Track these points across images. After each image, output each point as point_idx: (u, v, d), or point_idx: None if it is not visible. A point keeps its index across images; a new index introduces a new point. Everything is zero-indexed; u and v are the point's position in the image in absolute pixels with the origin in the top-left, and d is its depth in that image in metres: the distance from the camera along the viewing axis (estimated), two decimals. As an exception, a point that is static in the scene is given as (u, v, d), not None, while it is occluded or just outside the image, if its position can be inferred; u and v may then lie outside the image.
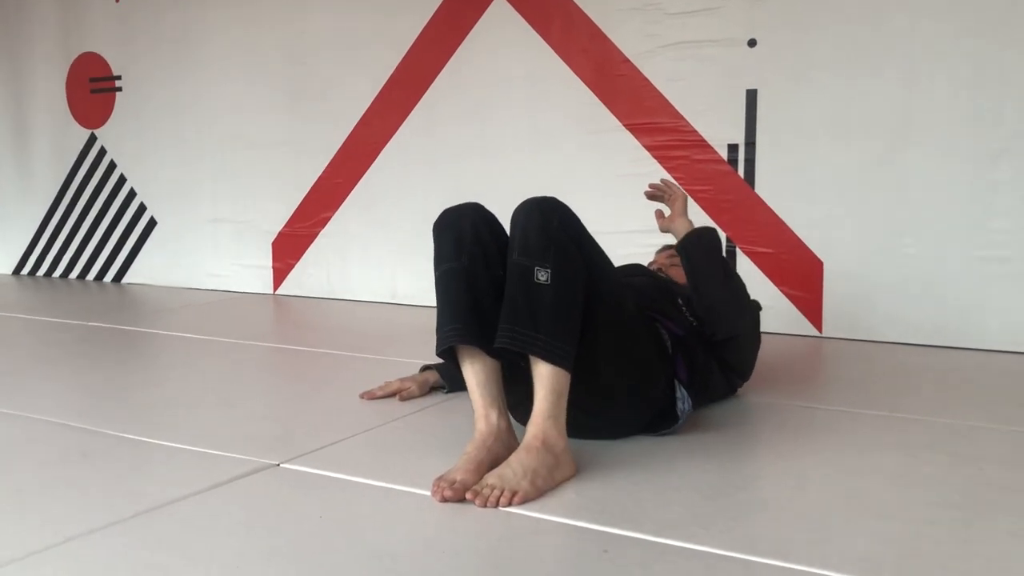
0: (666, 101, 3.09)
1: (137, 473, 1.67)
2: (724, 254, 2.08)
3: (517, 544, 1.32)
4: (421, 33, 3.55)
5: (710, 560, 1.25)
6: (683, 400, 1.77)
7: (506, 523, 1.39)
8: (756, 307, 2.09)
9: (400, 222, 3.66)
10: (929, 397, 2.15)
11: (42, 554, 1.29)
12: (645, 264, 2.33)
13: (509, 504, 1.43)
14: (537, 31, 3.31)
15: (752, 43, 2.93)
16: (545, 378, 1.55)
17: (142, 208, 4.46)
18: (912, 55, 2.72)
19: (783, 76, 2.90)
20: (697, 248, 1.99)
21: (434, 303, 1.69)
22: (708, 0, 2.98)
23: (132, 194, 4.48)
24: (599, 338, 1.65)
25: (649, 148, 3.13)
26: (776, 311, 2.95)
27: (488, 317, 1.60)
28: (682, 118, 3.07)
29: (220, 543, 1.33)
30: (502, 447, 1.57)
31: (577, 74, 3.24)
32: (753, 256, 3.00)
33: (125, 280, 4.58)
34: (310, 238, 3.93)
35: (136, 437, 1.86)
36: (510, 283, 1.59)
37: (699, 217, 2.98)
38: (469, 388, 1.64)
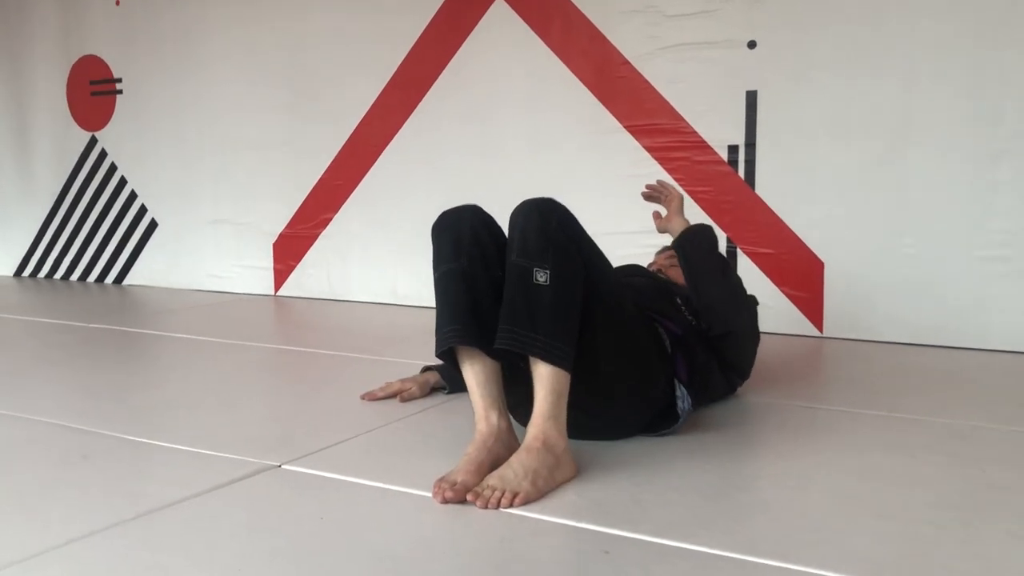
0: (666, 102, 3.09)
1: (138, 474, 1.67)
2: (720, 250, 2.09)
3: (518, 545, 1.32)
4: (422, 35, 3.55)
5: (711, 561, 1.25)
6: (683, 399, 1.77)
7: (507, 524, 1.39)
8: (753, 302, 2.10)
9: (401, 223, 3.67)
10: (929, 397, 2.15)
11: (43, 556, 1.29)
12: (644, 265, 2.34)
13: (510, 505, 1.43)
14: (537, 33, 3.31)
15: (752, 44, 2.94)
16: (545, 378, 1.55)
17: (143, 210, 4.47)
18: (912, 55, 2.72)
19: (783, 77, 2.90)
20: (693, 245, 2.02)
21: (434, 304, 1.69)
22: (708, 2, 2.98)
23: (133, 196, 4.49)
24: (599, 338, 1.65)
25: (649, 149, 3.14)
26: (777, 311, 2.95)
27: (487, 318, 1.60)
28: (682, 119, 3.07)
29: (221, 544, 1.33)
30: (503, 448, 1.58)
31: (577, 76, 3.25)
32: (754, 257, 3.01)
33: (126, 282, 4.58)
34: (311, 239, 3.93)
35: (137, 438, 1.86)
36: (509, 284, 1.60)
37: (699, 218, 2.99)
38: (469, 389, 1.64)
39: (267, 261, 4.07)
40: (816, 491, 1.52)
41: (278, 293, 4.07)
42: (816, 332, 2.94)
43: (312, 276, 3.96)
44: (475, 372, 1.63)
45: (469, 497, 1.45)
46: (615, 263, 1.86)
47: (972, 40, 2.64)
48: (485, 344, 1.60)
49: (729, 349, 1.98)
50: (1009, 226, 2.65)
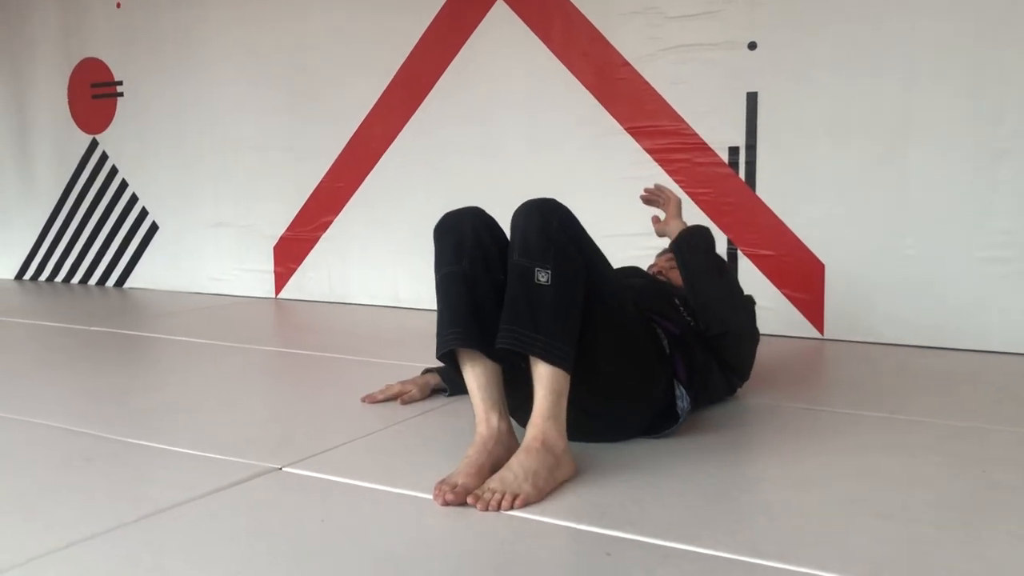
0: (667, 104, 3.09)
1: (139, 477, 1.67)
2: (716, 251, 2.10)
3: (519, 547, 1.32)
4: (422, 36, 3.56)
5: (712, 562, 1.25)
6: (682, 399, 1.77)
7: (508, 526, 1.39)
8: (750, 302, 2.10)
9: (401, 225, 3.67)
10: (930, 398, 2.15)
11: (45, 559, 1.29)
12: (645, 267, 2.34)
13: (511, 507, 1.43)
14: (537, 34, 3.32)
15: (752, 46, 2.94)
16: (545, 378, 1.55)
17: (144, 213, 4.47)
18: (912, 56, 2.72)
19: (783, 78, 2.91)
20: (690, 245, 2.03)
21: (435, 306, 1.69)
22: (708, 3, 2.98)
23: (134, 199, 4.49)
24: (599, 338, 1.65)
25: (650, 151, 3.14)
26: (777, 313, 2.95)
27: (488, 321, 1.60)
28: (683, 121, 3.07)
29: (222, 547, 1.33)
30: (503, 450, 1.58)
31: (578, 77, 3.25)
32: (754, 258, 3.00)
33: (127, 285, 4.58)
34: (312, 242, 3.94)
35: (138, 441, 1.86)
36: (510, 284, 1.60)
37: (700, 220, 2.99)
38: (470, 391, 1.64)
39: (268, 264, 4.08)
40: (817, 492, 1.52)
41: (279, 296, 4.07)
42: (817, 334, 2.94)
43: (313, 279, 3.96)
44: (476, 374, 1.63)
45: (469, 500, 1.45)
46: (615, 265, 1.86)
47: (972, 40, 2.64)
48: (486, 346, 1.60)
49: (727, 349, 1.98)
50: (1010, 226, 2.65)
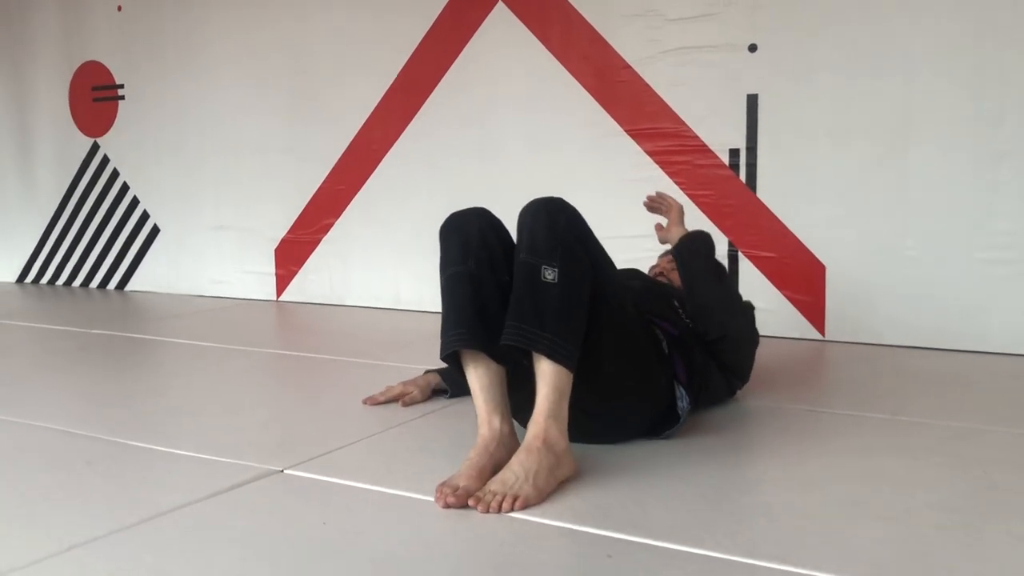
0: (667, 106, 3.10)
1: (141, 480, 1.67)
2: (716, 257, 2.11)
3: (521, 549, 1.32)
4: (423, 39, 3.56)
5: (714, 564, 1.25)
6: (682, 399, 1.78)
7: (509, 528, 1.39)
8: (749, 307, 2.10)
9: (403, 227, 3.67)
10: (932, 400, 2.15)
11: (46, 562, 1.29)
12: (647, 267, 2.35)
13: (511, 509, 1.43)
14: (538, 37, 3.32)
15: (753, 48, 2.94)
16: (548, 376, 1.55)
17: (145, 216, 4.48)
18: (912, 57, 2.72)
19: (784, 80, 2.91)
20: (690, 251, 2.04)
21: (437, 308, 1.69)
22: (709, 6, 2.98)
23: (135, 202, 4.50)
24: (602, 338, 1.65)
25: (651, 153, 3.14)
26: (778, 315, 2.95)
27: (493, 322, 1.60)
28: (683, 123, 3.07)
29: (224, 550, 1.33)
30: (505, 452, 1.57)
31: (578, 80, 3.25)
32: (755, 260, 3.00)
33: (128, 288, 4.59)
34: (313, 244, 3.94)
35: (140, 444, 1.86)
36: (517, 282, 1.60)
37: (701, 222, 2.99)
38: (473, 393, 1.64)
39: (269, 266, 4.08)
40: (818, 494, 1.52)
41: (280, 298, 4.07)
42: (818, 335, 2.94)
43: (314, 281, 3.96)
44: (479, 376, 1.63)
45: (471, 502, 1.45)
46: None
47: (972, 41, 2.64)
48: (490, 348, 1.60)
49: (726, 353, 1.98)
50: (1011, 228, 2.65)
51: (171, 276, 4.41)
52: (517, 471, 1.48)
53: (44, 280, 4.91)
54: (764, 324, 2.84)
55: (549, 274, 1.57)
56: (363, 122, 3.73)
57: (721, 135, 3.01)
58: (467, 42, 3.47)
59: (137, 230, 4.51)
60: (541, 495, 1.48)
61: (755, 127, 2.96)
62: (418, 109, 3.60)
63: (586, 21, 3.21)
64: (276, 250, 4.05)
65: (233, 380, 2.53)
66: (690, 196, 3.06)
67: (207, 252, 4.27)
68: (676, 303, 1.99)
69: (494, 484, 1.47)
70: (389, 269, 3.74)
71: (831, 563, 1.24)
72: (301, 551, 1.32)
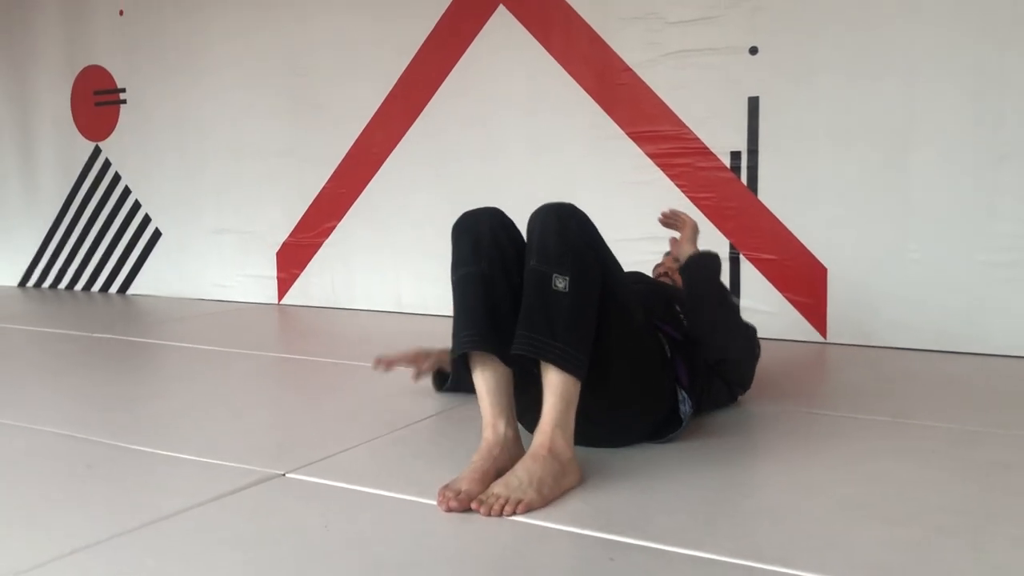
0: (668, 109, 3.10)
1: (142, 484, 1.67)
2: (722, 279, 2.07)
3: (523, 553, 1.32)
4: (424, 42, 3.56)
5: (716, 567, 1.25)
6: (684, 402, 1.77)
7: (512, 532, 1.39)
8: (751, 331, 2.06)
9: (404, 230, 3.67)
10: (934, 403, 2.14)
11: (48, 566, 1.29)
12: (653, 266, 2.35)
13: (514, 513, 1.43)
14: (539, 40, 3.32)
15: (753, 51, 2.94)
16: (557, 386, 1.55)
17: (147, 219, 4.48)
18: (913, 60, 2.72)
19: (785, 83, 2.91)
20: (695, 272, 2.01)
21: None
22: (709, 8, 2.99)
23: (137, 205, 4.50)
24: (610, 345, 1.64)
25: (652, 156, 3.14)
26: (780, 317, 2.95)
27: (505, 323, 1.60)
28: (684, 126, 3.08)
29: (226, 553, 1.33)
30: (508, 457, 1.57)
31: (579, 82, 3.25)
32: (757, 263, 3.00)
33: (130, 291, 4.59)
34: (314, 248, 3.94)
35: (141, 448, 1.86)
36: (527, 290, 1.59)
37: (702, 224, 2.98)
38: (479, 395, 1.64)
39: (271, 270, 4.08)
40: (821, 497, 1.52)
41: (282, 302, 4.07)
42: (820, 338, 2.94)
43: (316, 284, 3.96)
44: (486, 379, 1.63)
45: (473, 505, 1.45)
46: (619, 270, 1.86)
47: (973, 43, 2.64)
48: (501, 350, 1.60)
49: (727, 373, 1.99)
50: (1013, 230, 2.65)
51: (173, 280, 4.41)
52: (522, 476, 1.48)
53: (46, 284, 4.91)
54: (766, 327, 2.84)
55: (560, 283, 1.56)
56: (364, 125, 3.73)
57: (722, 137, 3.01)
58: (468, 45, 3.47)
59: (139, 234, 4.51)
60: (545, 501, 1.47)
61: (756, 129, 2.96)
62: (419, 112, 3.60)
63: (587, 24, 3.22)
64: (278, 253, 4.05)
65: (235, 384, 2.53)
66: (691, 199, 3.06)
67: (209, 256, 4.27)
68: (678, 307, 1.98)
69: (497, 487, 1.47)
70: (390, 272, 3.74)
71: (833, 566, 1.24)
72: (303, 555, 1.31)
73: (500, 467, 1.54)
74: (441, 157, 3.57)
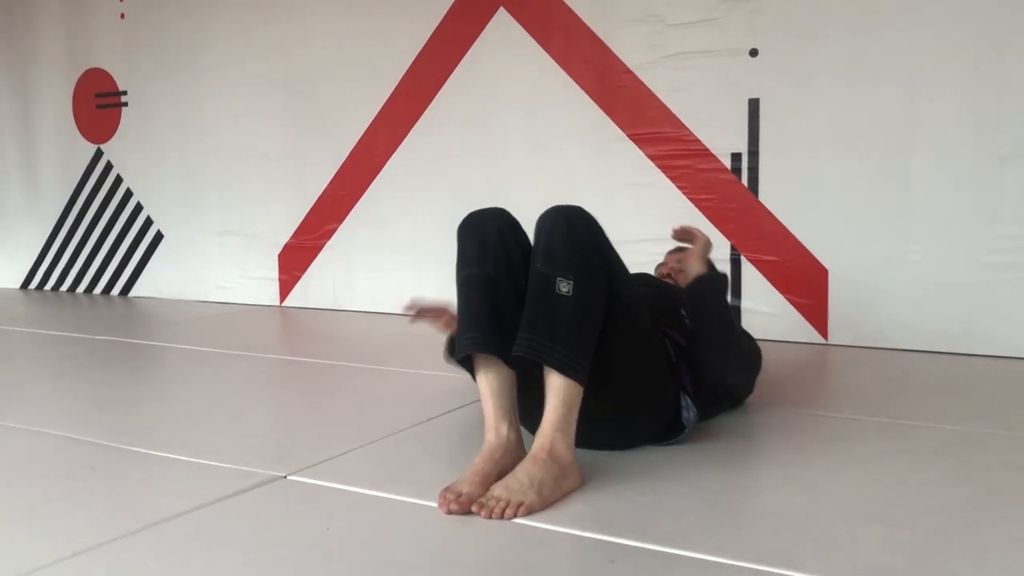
0: (668, 111, 3.10)
1: (145, 486, 1.67)
2: (727, 303, 2.00)
3: (524, 555, 1.32)
4: (425, 45, 3.57)
5: (717, 570, 1.25)
6: (687, 409, 1.77)
7: (513, 534, 1.39)
8: (754, 356, 2.02)
9: (405, 233, 3.67)
10: (936, 404, 2.14)
11: (50, 568, 1.29)
12: (655, 266, 2.32)
13: (515, 515, 1.43)
14: (539, 42, 3.32)
15: (754, 52, 2.94)
16: (558, 389, 1.55)
17: (148, 222, 4.48)
18: (914, 61, 2.72)
19: (785, 85, 2.91)
20: (700, 298, 1.93)
21: (456, 307, 1.69)
22: (709, 11, 2.99)
23: (139, 208, 4.51)
24: (615, 350, 1.64)
25: (652, 158, 3.14)
26: (781, 318, 2.95)
27: (508, 325, 1.60)
28: (685, 128, 3.08)
29: (227, 555, 1.33)
30: (510, 459, 1.57)
31: (580, 85, 3.25)
32: (758, 264, 3.00)
33: (132, 293, 4.59)
34: (316, 250, 3.94)
35: (143, 450, 1.87)
36: (531, 292, 1.59)
37: (703, 226, 2.98)
38: (482, 397, 1.64)
39: (272, 272, 4.08)
40: (823, 498, 1.52)
41: (283, 304, 4.07)
42: (821, 339, 2.94)
43: (317, 286, 3.96)
44: (489, 381, 1.63)
45: (474, 508, 1.45)
46: (622, 271, 1.85)
47: (974, 45, 2.64)
48: (503, 352, 1.60)
49: (730, 392, 1.99)
50: (1014, 231, 2.65)
51: (174, 282, 4.41)
52: (522, 479, 1.48)
53: (48, 286, 4.92)
54: (767, 328, 2.85)
55: (564, 287, 1.56)
56: (366, 127, 3.74)
57: (722, 139, 3.01)
58: (469, 47, 3.48)
59: (140, 236, 4.52)
60: (545, 504, 1.47)
61: (756, 131, 2.96)
62: (420, 114, 3.61)
63: (587, 26, 3.22)
64: (279, 255, 4.06)
65: (236, 386, 2.53)
66: (692, 200, 3.06)
67: (210, 258, 4.28)
68: (683, 312, 1.94)
69: (498, 490, 1.47)
70: (392, 274, 3.74)
71: (836, 568, 1.24)
72: (304, 557, 1.32)
73: (502, 469, 1.54)
74: (442, 159, 3.57)
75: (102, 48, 4.49)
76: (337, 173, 3.84)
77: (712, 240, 2.13)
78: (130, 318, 3.96)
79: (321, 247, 3.92)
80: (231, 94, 4.09)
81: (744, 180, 3.00)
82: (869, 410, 2.08)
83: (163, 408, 2.26)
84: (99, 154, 4.59)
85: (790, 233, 2.95)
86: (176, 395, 2.43)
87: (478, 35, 3.45)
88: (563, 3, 3.26)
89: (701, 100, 3.04)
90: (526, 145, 3.39)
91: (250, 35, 4.00)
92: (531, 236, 1.70)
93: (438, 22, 3.53)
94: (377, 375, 2.57)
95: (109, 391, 2.50)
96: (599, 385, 1.61)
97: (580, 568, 1.29)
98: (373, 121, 3.72)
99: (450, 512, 1.45)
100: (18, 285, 5.03)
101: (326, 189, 3.87)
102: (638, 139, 3.16)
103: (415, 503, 1.52)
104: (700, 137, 3.05)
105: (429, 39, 3.55)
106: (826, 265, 2.91)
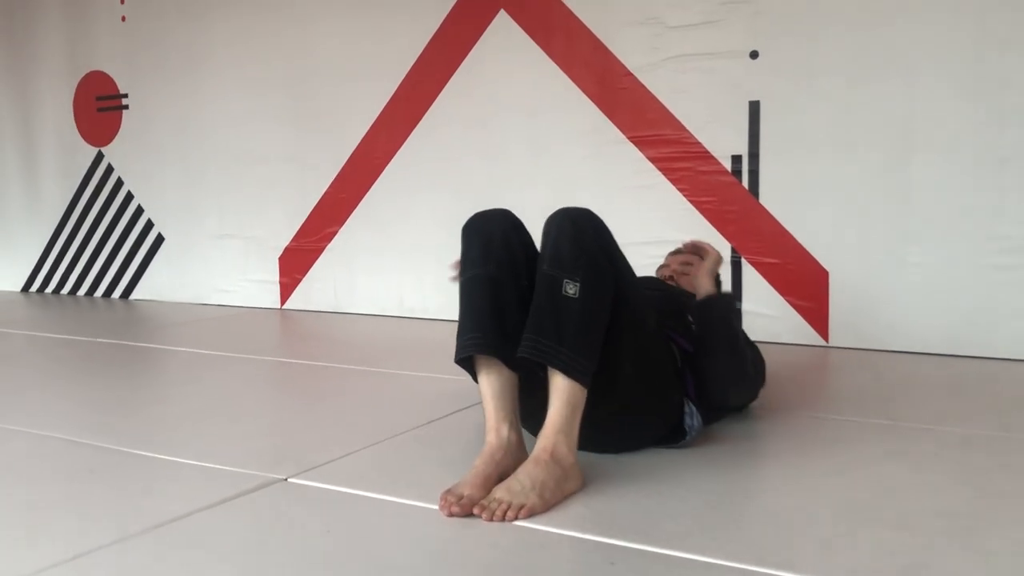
0: (669, 113, 3.10)
1: (145, 489, 1.67)
2: (735, 323, 1.98)
3: (525, 557, 1.32)
4: (425, 48, 3.57)
5: (718, 571, 1.25)
6: (691, 415, 1.76)
7: (514, 536, 1.39)
8: (758, 377, 2.00)
9: (406, 235, 3.68)
10: (937, 406, 2.14)
11: (50, 571, 1.29)
12: (657, 268, 2.30)
13: (516, 518, 1.43)
14: (540, 45, 3.33)
15: (754, 55, 2.94)
16: (562, 391, 1.55)
17: (149, 224, 4.49)
18: (915, 62, 2.73)
19: (785, 87, 2.91)
20: (707, 322, 1.90)
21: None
22: (710, 13, 2.99)
23: (139, 211, 4.51)
24: (622, 351, 1.64)
25: (653, 160, 3.14)
26: (782, 321, 2.95)
27: (511, 327, 1.59)
28: (685, 130, 3.08)
29: (228, 558, 1.33)
30: (511, 461, 1.57)
31: (580, 87, 3.26)
32: (759, 266, 3.00)
33: (133, 296, 4.60)
34: (316, 252, 3.94)
35: (144, 453, 1.86)
36: (538, 293, 1.59)
37: (704, 228, 3.00)
38: (483, 399, 1.64)
39: (273, 275, 4.09)
40: (824, 501, 1.52)
41: (284, 306, 4.08)
42: (821, 341, 2.93)
43: (318, 289, 3.96)
44: (491, 382, 1.62)
45: (475, 510, 1.44)
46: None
47: (975, 46, 2.65)
48: (505, 354, 1.59)
49: (733, 407, 1.99)
50: (1015, 233, 2.64)
51: (175, 285, 4.42)
52: (523, 481, 1.48)
53: (49, 289, 4.92)
54: (767, 330, 2.85)
55: (571, 288, 1.56)
56: (366, 130, 3.74)
57: (723, 141, 3.02)
58: (470, 50, 3.48)
59: (141, 239, 4.52)
60: (546, 506, 1.47)
61: (757, 133, 2.96)
62: (421, 117, 3.61)
63: (587, 29, 3.22)
64: (280, 258, 4.06)
65: (237, 388, 2.53)
66: (693, 203, 3.06)
67: (211, 261, 4.28)
68: (690, 317, 1.92)
69: (499, 492, 1.47)
70: (393, 276, 3.74)
71: (837, 570, 1.24)
72: (305, 560, 1.32)
73: (503, 471, 1.54)
74: (442, 162, 3.58)
75: (103, 51, 4.49)
76: (338, 176, 3.84)
77: (714, 244, 2.12)
78: (131, 321, 3.96)
79: (322, 250, 3.93)
80: (232, 96, 4.10)
81: (745, 182, 3.00)
82: (869, 412, 2.08)
83: (163, 411, 2.26)
84: (100, 157, 4.59)
85: (791, 235, 2.95)
86: (176, 398, 2.43)
87: (479, 37, 3.45)
88: (564, 5, 3.26)
89: (701, 102, 3.04)
90: (527, 147, 3.40)
91: (251, 38, 4.01)
92: (536, 238, 1.70)
93: (439, 24, 3.53)
94: (378, 377, 2.57)
95: (109, 394, 2.50)
96: (605, 386, 1.61)
97: (581, 570, 1.29)
98: (374, 124, 3.72)
99: (451, 514, 1.45)
100: (19, 288, 5.03)
101: (327, 192, 3.88)
102: (638, 141, 3.16)
103: (416, 505, 1.51)
104: (700, 139, 3.05)
105: (430, 41, 3.56)
106: (827, 267, 2.91)
